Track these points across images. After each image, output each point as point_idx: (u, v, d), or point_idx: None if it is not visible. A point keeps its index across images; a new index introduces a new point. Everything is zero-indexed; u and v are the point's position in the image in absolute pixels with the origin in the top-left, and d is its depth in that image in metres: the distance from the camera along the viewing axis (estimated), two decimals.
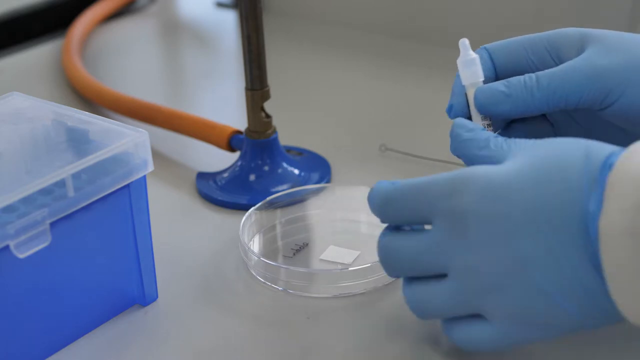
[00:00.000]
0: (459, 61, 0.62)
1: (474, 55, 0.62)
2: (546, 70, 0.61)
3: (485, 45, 0.64)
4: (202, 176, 0.79)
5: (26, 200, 0.55)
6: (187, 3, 1.25)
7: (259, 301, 0.64)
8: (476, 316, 0.54)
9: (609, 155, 0.51)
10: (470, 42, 0.64)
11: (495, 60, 0.63)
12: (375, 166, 0.80)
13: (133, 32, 1.17)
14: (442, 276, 0.55)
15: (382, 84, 0.96)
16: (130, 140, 0.59)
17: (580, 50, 0.61)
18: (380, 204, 0.57)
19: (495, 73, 0.64)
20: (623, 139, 0.57)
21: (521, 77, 0.61)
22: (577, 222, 0.51)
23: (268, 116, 0.77)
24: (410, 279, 0.56)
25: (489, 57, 0.63)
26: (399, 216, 0.56)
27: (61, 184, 0.56)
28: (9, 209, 0.55)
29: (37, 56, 1.09)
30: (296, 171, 0.78)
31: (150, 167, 0.61)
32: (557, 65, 0.62)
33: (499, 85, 0.61)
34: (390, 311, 0.62)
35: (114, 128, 0.61)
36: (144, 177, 0.61)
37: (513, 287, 0.52)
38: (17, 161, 0.61)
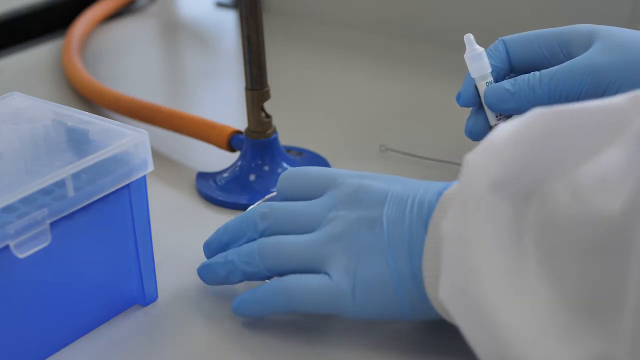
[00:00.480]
0: (466, 56, 0.66)
1: (479, 49, 0.66)
2: (550, 68, 0.64)
3: (503, 37, 0.67)
4: (202, 176, 0.79)
5: (26, 200, 0.55)
6: (187, 3, 1.25)
7: None
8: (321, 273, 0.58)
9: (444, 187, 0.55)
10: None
11: (511, 52, 0.67)
12: (375, 166, 0.80)
13: (133, 32, 1.17)
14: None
15: (382, 84, 0.96)
16: (130, 140, 0.59)
17: (587, 47, 0.63)
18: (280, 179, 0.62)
19: (510, 64, 0.67)
20: None
21: (526, 76, 0.65)
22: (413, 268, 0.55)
23: (268, 116, 0.77)
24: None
25: (505, 49, 0.67)
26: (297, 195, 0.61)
27: (61, 184, 0.56)
28: (9, 209, 0.55)
29: (37, 56, 1.09)
30: None
31: (150, 167, 0.61)
32: (566, 59, 0.65)
33: (506, 83, 0.65)
34: None
35: (114, 128, 0.61)
36: (144, 177, 0.61)
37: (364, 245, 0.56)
38: (17, 161, 0.61)
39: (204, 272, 0.62)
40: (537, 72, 0.64)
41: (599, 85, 0.62)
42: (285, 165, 0.78)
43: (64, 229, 0.57)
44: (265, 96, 0.76)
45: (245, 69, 0.75)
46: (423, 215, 0.55)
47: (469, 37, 0.66)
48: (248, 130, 0.77)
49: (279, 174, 0.76)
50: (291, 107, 0.91)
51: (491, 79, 0.67)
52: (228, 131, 0.80)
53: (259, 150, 0.77)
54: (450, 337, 0.56)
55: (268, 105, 0.76)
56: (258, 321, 0.62)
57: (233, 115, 0.92)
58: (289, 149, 0.81)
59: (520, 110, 0.64)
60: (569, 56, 0.65)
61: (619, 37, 0.63)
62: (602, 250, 0.45)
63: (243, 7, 0.73)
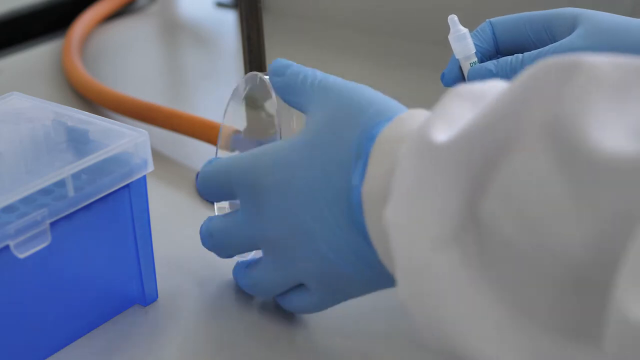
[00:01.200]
0: (450, 37, 0.67)
1: (463, 30, 0.67)
2: (533, 51, 0.65)
3: (490, 19, 0.69)
4: None
5: (26, 200, 0.55)
6: (187, 3, 1.25)
7: (259, 301, 0.64)
8: (300, 285, 0.58)
9: (376, 123, 0.53)
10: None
11: (497, 34, 0.68)
12: None
13: (133, 32, 1.17)
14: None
15: (382, 84, 0.96)
16: (130, 140, 0.59)
17: (571, 31, 0.64)
18: (199, 184, 0.61)
19: (497, 45, 0.68)
20: None
21: (509, 58, 0.66)
22: (346, 195, 0.53)
23: (268, 116, 0.77)
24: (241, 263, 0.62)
25: (492, 31, 0.68)
26: (215, 195, 0.61)
27: (61, 184, 0.56)
28: (9, 209, 0.55)
29: (37, 56, 1.09)
30: None
31: (150, 167, 0.61)
32: (551, 42, 0.66)
33: (490, 64, 0.66)
34: None
35: (114, 128, 0.61)
36: (144, 177, 0.61)
37: (307, 257, 0.56)
38: (17, 161, 0.61)
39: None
40: (520, 55, 0.65)
41: None
42: None
43: (64, 229, 0.57)
44: None
45: (245, 69, 0.75)
46: (346, 211, 0.54)
47: (453, 18, 0.68)
48: (248, 130, 0.77)
49: None
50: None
51: (475, 59, 0.67)
52: (228, 131, 0.80)
53: None
54: None
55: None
56: (259, 321, 0.62)
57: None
58: None
59: None
60: (553, 39, 0.66)
61: (602, 22, 0.64)
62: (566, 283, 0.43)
63: (243, 7, 0.73)
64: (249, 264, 0.61)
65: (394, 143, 0.52)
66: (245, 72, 0.75)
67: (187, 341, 0.61)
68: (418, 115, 0.53)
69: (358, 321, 0.61)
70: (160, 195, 0.77)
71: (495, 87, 0.50)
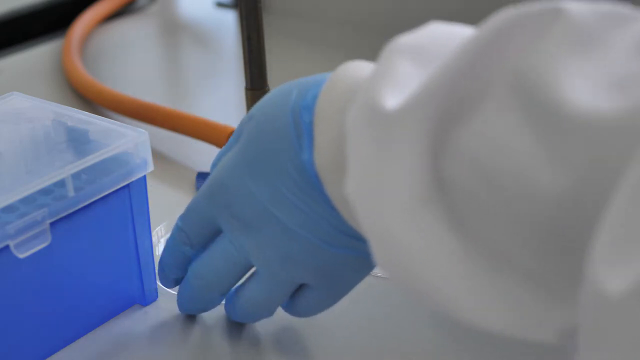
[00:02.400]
0: None
1: None
2: None
3: None
4: (202, 176, 0.79)
5: (26, 200, 0.55)
6: (187, 3, 1.25)
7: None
8: (302, 287, 0.57)
9: (305, 93, 0.53)
10: None
11: None
12: None
13: (133, 32, 1.17)
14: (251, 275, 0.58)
15: None
16: (130, 140, 0.59)
17: None
18: (180, 218, 0.59)
19: None
20: None
21: None
22: (297, 169, 0.53)
23: None
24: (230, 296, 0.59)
25: None
26: (199, 236, 0.58)
27: (61, 184, 0.56)
28: (9, 209, 0.55)
29: (37, 56, 1.09)
30: None
31: (150, 167, 0.61)
32: None
33: None
34: None
35: (114, 128, 0.61)
36: (144, 177, 0.61)
37: (274, 234, 0.55)
38: (17, 161, 0.61)
39: None
40: None
41: None
42: None
43: (64, 229, 0.57)
44: None
45: (245, 69, 0.75)
46: (307, 189, 0.53)
47: None
48: None
49: None
50: None
51: None
52: (228, 131, 0.80)
53: None
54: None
55: None
56: (259, 321, 0.62)
57: (233, 115, 0.92)
58: None
59: None
60: None
61: None
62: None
63: (243, 7, 0.73)
64: (237, 288, 0.59)
65: (336, 109, 0.51)
66: (245, 72, 0.75)
67: (187, 341, 0.61)
68: (353, 70, 0.53)
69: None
70: (160, 195, 0.77)
71: (436, 35, 0.49)
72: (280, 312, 0.61)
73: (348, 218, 0.52)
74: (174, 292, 0.64)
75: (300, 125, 0.53)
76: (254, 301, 0.58)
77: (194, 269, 0.59)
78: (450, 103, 0.43)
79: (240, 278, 0.58)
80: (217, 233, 0.58)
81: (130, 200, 0.60)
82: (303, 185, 0.53)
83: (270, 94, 0.56)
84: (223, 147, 0.59)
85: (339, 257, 0.55)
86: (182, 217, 0.59)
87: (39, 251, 0.55)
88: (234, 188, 0.56)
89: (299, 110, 0.53)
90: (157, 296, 0.64)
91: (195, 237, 0.58)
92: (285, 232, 0.55)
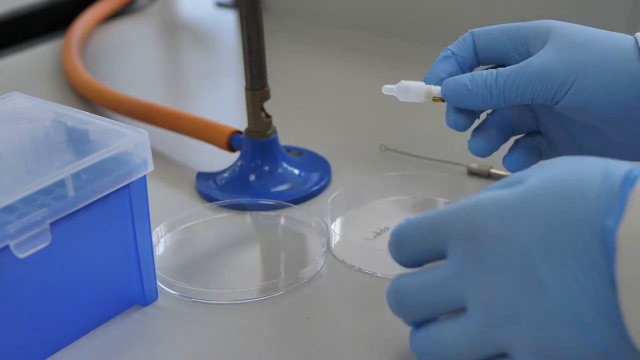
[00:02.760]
0: (402, 99, 0.68)
1: (395, 85, 0.69)
2: (507, 68, 0.64)
3: (472, 30, 0.68)
4: (202, 176, 0.79)
5: (26, 200, 0.55)
6: (187, 3, 1.25)
7: (260, 301, 0.64)
8: (501, 356, 0.51)
9: (630, 170, 0.49)
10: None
11: (477, 44, 0.67)
12: (375, 166, 0.80)
13: (133, 32, 1.17)
14: (458, 314, 0.52)
15: (382, 84, 0.96)
16: (130, 140, 0.59)
17: (544, 45, 0.65)
18: (394, 243, 0.54)
19: (477, 55, 0.68)
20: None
21: (484, 73, 0.65)
22: (596, 239, 0.48)
23: (268, 116, 0.77)
24: (420, 325, 0.53)
25: (472, 41, 0.67)
26: (413, 253, 0.53)
27: (61, 184, 0.56)
28: (9, 209, 0.55)
29: (37, 56, 1.09)
30: (296, 171, 0.78)
31: (150, 167, 0.61)
32: (527, 56, 0.65)
33: (464, 79, 0.65)
34: None
35: (114, 128, 0.61)
36: (144, 177, 0.61)
37: (532, 314, 0.49)
38: (17, 161, 0.61)
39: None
40: (494, 70, 0.64)
41: (549, 87, 0.62)
42: (285, 165, 0.78)
43: (64, 229, 0.57)
44: (265, 96, 0.76)
45: (245, 69, 0.75)
46: (598, 261, 0.48)
47: (386, 88, 0.69)
48: (248, 130, 0.77)
49: (279, 174, 0.77)
50: (291, 107, 0.91)
51: (438, 88, 0.67)
52: (228, 131, 0.80)
53: (259, 150, 0.77)
54: None
55: (268, 106, 0.76)
56: (258, 321, 0.62)
57: (233, 115, 0.92)
58: (289, 149, 0.81)
59: (476, 107, 0.65)
60: (528, 53, 0.66)
61: (572, 36, 0.64)
62: None
63: (243, 7, 0.73)
64: (426, 325, 0.53)
65: None
66: (245, 72, 0.75)
67: (187, 341, 0.61)
68: None
69: None
70: (160, 195, 0.77)
71: None
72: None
73: (625, 304, 0.47)
74: (174, 292, 0.65)
75: (617, 195, 0.48)
76: (448, 346, 0.51)
77: (399, 284, 0.53)
78: None
79: (445, 312, 0.52)
80: (437, 255, 0.53)
81: (130, 200, 0.60)
82: (597, 262, 0.48)
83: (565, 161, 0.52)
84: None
85: (583, 345, 0.48)
86: (400, 236, 0.54)
87: (39, 251, 0.56)
88: (496, 221, 0.51)
89: (618, 181, 0.49)
90: (157, 296, 0.64)
91: (412, 253, 0.54)
92: (541, 294, 0.49)
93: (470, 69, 0.68)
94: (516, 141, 0.68)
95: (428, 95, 0.67)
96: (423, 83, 0.67)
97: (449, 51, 0.68)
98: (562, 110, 0.63)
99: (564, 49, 0.63)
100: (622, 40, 0.63)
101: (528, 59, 0.64)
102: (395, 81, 0.69)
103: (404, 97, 0.68)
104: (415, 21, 1.04)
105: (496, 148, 0.67)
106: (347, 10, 1.09)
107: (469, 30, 0.68)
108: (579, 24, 0.67)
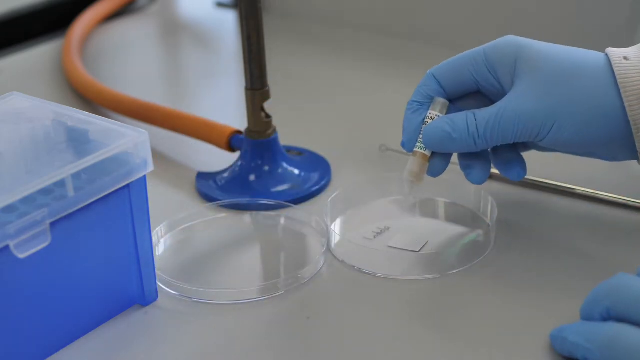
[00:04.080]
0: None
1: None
2: (484, 111, 0.65)
3: (431, 71, 0.67)
4: (202, 176, 0.79)
5: (26, 200, 0.55)
6: (187, 3, 1.25)
7: (260, 301, 0.64)
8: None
9: None
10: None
11: (443, 84, 0.67)
12: (375, 166, 0.80)
13: (133, 32, 1.17)
14: None
15: (382, 84, 0.96)
16: (130, 140, 0.59)
17: (512, 71, 0.64)
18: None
19: (445, 93, 0.67)
20: None
21: (464, 117, 0.65)
22: None
23: (268, 116, 0.77)
24: None
25: (436, 82, 0.67)
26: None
27: (61, 184, 0.56)
28: (9, 209, 0.55)
29: (37, 56, 1.09)
30: (296, 171, 0.78)
31: (150, 167, 0.61)
32: (497, 83, 0.65)
33: (444, 125, 0.65)
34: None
35: (114, 128, 0.61)
36: (144, 177, 0.61)
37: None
38: (17, 161, 0.61)
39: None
40: (472, 116, 0.64)
41: (529, 132, 0.64)
42: (285, 165, 0.78)
43: (64, 229, 0.57)
44: (265, 96, 0.76)
45: (245, 69, 0.75)
46: None
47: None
48: (248, 130, 0.77)
49: (279, 174, 0.77)
50: (291, 107, 0.91)
51: (420, 149, 0.67)
52: (228, 131, 0.80)
53: (259, 150, 0.77)
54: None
55: (268, 106, 0.76)
56: (258, 321, 0.62)
57: (233, 115, 0.92)
58: (289, 149, 0.81)
59: (459, 152, 0.67)
60: (498, 81, 0.65)
61: (542, 67, 0.64)
62: None
63: (243, 7, 0.73)
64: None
65: None
66: (245, 72, 0.75)
67: (187, 341, 0.61)
68: None
69: None
70: (160, 195, 0.77)
71: None
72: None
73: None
74: (174, 292, 0.65)
75: None
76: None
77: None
78: None
79: None
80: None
81: (130, 200, 0.60)
82: None
83: None
84: None
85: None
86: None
87: (39, 251, 0.56)
88: None
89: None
90: (157, 296, 0.64)
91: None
92: None
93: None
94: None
95: (424, 158, 0.67)
96: (410, 155, 0.68)
97: (415, 104, 0.68)
98: (544, 145, 0.65)
99: (537, 87, 0.63)
100: (593, 62, 0.64)
101: (503, 103, 0.64)
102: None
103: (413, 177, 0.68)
104: (416, 21, 1.04)
105: (490, 170, 0.69)
106: (347, 10, 1.09)
107: (428, 71, 0.67)
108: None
